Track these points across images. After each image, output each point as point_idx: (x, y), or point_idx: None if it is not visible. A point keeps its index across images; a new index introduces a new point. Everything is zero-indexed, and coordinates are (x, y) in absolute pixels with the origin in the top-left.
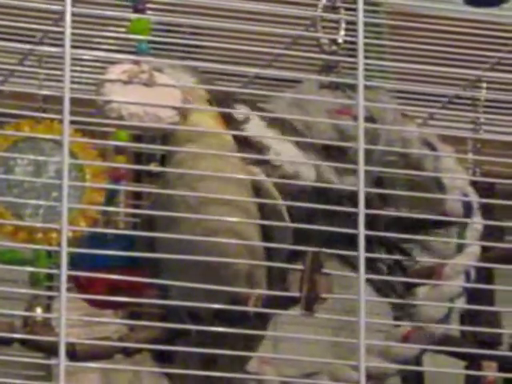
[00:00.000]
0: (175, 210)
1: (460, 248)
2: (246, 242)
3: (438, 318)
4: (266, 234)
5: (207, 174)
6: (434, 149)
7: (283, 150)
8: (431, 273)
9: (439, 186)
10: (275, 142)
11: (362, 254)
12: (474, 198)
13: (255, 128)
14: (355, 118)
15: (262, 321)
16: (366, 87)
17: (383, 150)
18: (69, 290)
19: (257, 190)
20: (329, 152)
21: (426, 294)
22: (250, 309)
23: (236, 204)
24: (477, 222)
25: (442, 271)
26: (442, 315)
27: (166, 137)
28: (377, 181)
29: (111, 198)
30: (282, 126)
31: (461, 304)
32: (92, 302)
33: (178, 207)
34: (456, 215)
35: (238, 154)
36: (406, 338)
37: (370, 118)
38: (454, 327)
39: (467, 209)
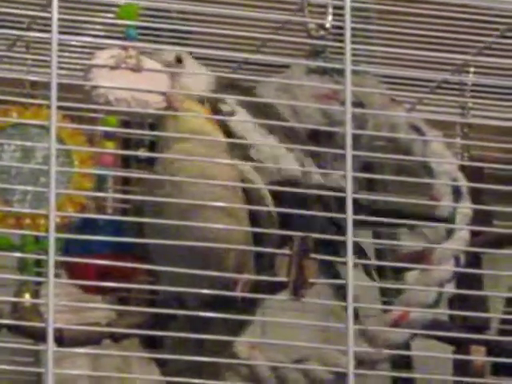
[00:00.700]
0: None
1: (449, 233)
2: (235, 227)
3: (428, 303)
4: (254, 222)
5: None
6: (421, 133)
7: (266, 147)
8: (420, 257)
9: (427, 170)
10: (258, 137)
11: (350, 239)
12: (463, 183)
13: (241, 120)
14: (343, 103)
15: (249, 306)
16: (354, 72)
17: (371, 135)
18: (57, 275)
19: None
20: (316, 138)
21: (415, 279)
22: (238, 294)
23: (224, 194)
24: (465, 207)
25: (431, 256)
26: (432, 300)
27: (155, 127)
28: (366, 166)
29: (100, 183)
30: (268, 117)
31: (450, 289)
32: (82, 288)
33: (166, 192)
34: (444, 200)
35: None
36: (395, 323)
37: (358, 103)
38: (443, 311)
39: (456, 193)
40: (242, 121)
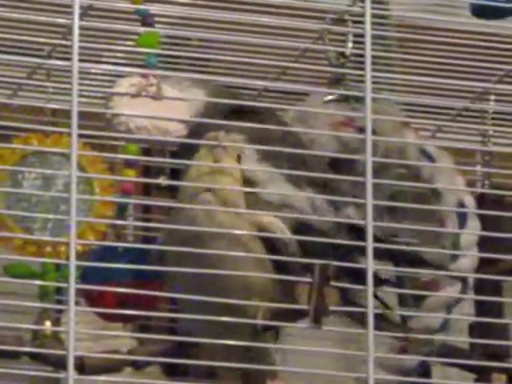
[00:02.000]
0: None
1: (455, 256)
2: (257, 254)
3: (434, 328)
4: (274, 252)
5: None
6: (430, 157)
7: (275, 189)
8: (428, 282)
9: (435, 194)
10: (267, 180)
11: (370, 267)
12: (470, 205)
13: (248, 163)
14: (359, 130)
15: (270, 334)
16: (373, 99)
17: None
18: (78, 303)
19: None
20: (335, 166)
21: (422, 304)
22: (259, 322)
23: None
24: (468, 233)
25: (436, 280)
26: (439, 325)
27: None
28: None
29: (120, 211)
30: (276, 159)
31: (460, 313)
32: (102, 315)
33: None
34: (451, 223)
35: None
36: (403, 349)
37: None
38: (463, 339)
39: (462, 217)
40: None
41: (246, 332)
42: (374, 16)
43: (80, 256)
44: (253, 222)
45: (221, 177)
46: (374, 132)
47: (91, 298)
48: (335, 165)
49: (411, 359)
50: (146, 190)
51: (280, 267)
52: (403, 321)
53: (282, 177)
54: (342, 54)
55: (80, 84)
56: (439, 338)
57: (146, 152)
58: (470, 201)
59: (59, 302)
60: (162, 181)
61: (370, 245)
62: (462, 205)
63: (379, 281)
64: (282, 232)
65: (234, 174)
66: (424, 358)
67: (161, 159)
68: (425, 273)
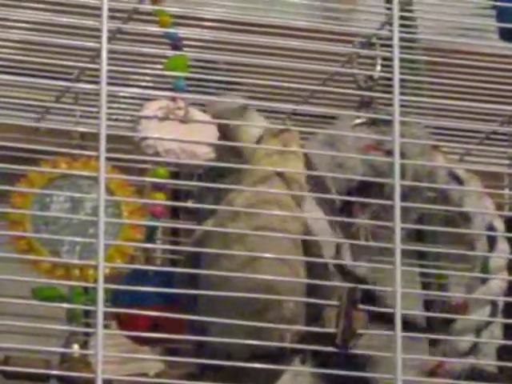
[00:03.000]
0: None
1: (484, 279)
2: (294, 279)
3: (464, 351)
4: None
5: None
6: (459, 180)
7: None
8: (458, 305)
9: (465, 217)
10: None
11: (398, 290)
12: (500, 229)
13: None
14: (385, 153)
15: (300, 358)
16: (401, 123)
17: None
18: (106, 326)
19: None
20: (364, 190)
21: (451, 328)
22: (288, 345)
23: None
24: (498, 256)
25: (466, 303)
26: (468, 348)
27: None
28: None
29: (149, 234)
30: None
31: (489, 336)
32: (133, 338)
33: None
34: (480, 247)
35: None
36: (433, 373)
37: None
38: (491, 362)
39: (491, 240)
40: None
41: (273, 352)
42: (402, 39)
43: (108, 279)
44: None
45: (290, 159)
46: (403, 155)
47: (122, 321)
48: (364, 189)
49: (440, 382)
50: (175, 213)
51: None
52: (432, 344)
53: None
54: (371, 78)
55: (108, 107)
56: (468, 361)
57: (175, 175)
58: (499, 224)
59: (87, 325)
60: (191, 204)
61: (398, 267)
62: (491, 228)
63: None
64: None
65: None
66: (453, 382)
67: (189, 182)
68: (455, 296)
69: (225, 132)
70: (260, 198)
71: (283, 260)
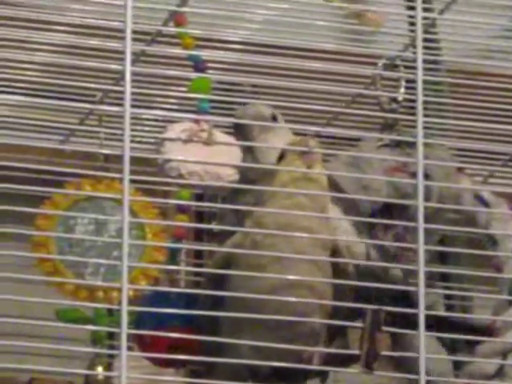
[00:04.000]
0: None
1: (511, 302)
2: (321, 301)
3: (491, 374)
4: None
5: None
6: (485, 202)
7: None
8: (485, 328)
9: (491, 239)
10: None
11: (421, 311)
12: None
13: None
14: (411, 175)
15: (321, 378)
16: (425, 144)
17: (436, 207)
18: (130, 348)
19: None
20: (388, 212)
21: (478, 350)
22: (312, 367)
23: (313, 263)
24: None
25: (493, 326)
26: (494, 370)
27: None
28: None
29: (172, 256)
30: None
31: None
32: (154, 361)
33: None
34: (507, 269)
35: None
36: None
37: (424, 175)
38: None
39: None
40: None
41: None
42: (425, 61)
43: (132, 301)
44: (333, 241)
45: (312, 183)
46: (428, 177)
47: (144, 344)
48: (388, 211)
49: None
50: (198, 235)
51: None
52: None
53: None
54: (394, 100)
55: (132, 129)
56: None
57: (199, 197)
58: None
59: (111, 347)
60: (215, 226)
61: (421, 288)
62: None
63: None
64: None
65: (323, 182)
66: None
67: (213, 204)
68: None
69: (248, 140)
70: (291, 221)
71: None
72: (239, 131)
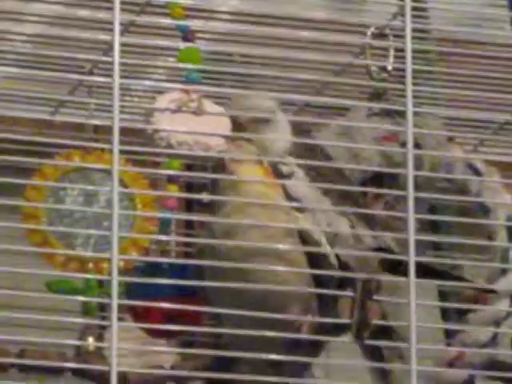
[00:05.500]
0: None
1: (504, 271)
2: (297, 268)
3: (483, 343)
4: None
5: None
6: (477, 171)
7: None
8: (477, 297)
9: (483, 208)
10: (313, 200)
11: (412, 280)
12: None
13: (297, 185)
14: (402, 144)
15: (314, 348)
16: (415, 113)
17: (428, 176)
18: (121, 319)
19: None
20: (378, 181)
21: (470, 318)
22: (302, 336)
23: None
24: None
25: (485, 295)
26: (487, 339)
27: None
28: (429, 209)
29: (163, 227)
30: (326, 176)
31: (509, 328)
32: (148, 331)
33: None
34: (499, 237)
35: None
36: (451, 363)
37: (415, 144)
38: (506, 352)
39: (511, 232)
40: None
41: (287, 346)
42: (414, 30)
43: (122, 272)
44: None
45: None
46: (419, 146)
47: (137, 314)
48: (378, 180)
49: (460, 373)
50: (189, 205)
51: (319, 281)
52: (448, 335)
53: (327, 201)
54: (384, 69)
55: (121, 100)
56: (486, 351)
57: (189, 167)
58: None
59: (102, 318)
60: (205, 196)
61: (412, 258)
62: (510, 220)
63: None
64: (323, 243)
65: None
66: (471, 372)
67: (203, 174)
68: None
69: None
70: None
71: (285, 258)
72: (236, 126)
